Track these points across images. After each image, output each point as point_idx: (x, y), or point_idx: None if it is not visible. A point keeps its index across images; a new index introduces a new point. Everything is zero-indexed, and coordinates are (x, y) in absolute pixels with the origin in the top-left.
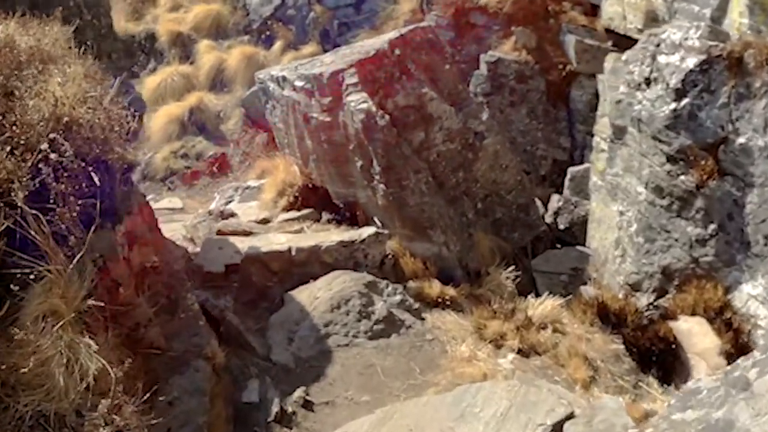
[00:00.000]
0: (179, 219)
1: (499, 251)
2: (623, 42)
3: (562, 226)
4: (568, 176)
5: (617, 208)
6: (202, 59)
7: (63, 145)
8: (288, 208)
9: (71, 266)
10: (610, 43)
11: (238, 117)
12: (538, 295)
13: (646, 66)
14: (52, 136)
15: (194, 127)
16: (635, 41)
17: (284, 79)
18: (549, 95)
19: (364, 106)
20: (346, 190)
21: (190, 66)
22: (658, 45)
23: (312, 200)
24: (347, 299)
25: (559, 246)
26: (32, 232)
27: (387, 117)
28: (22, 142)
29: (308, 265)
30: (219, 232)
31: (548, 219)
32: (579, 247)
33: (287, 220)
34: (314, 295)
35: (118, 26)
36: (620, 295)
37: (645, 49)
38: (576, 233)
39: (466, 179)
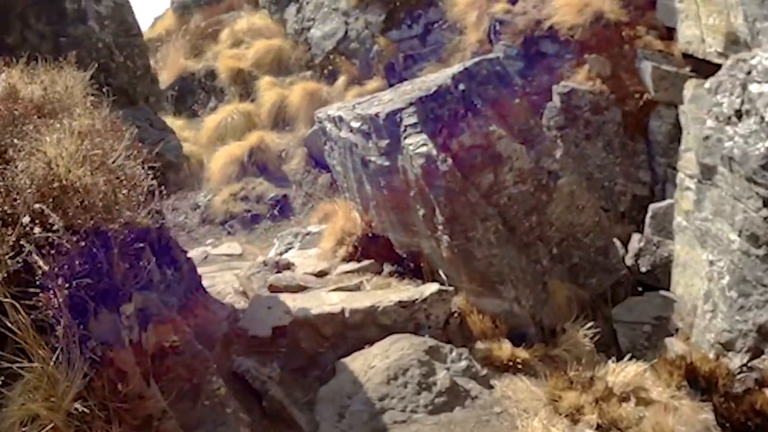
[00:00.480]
0: (237, 266)
1: (577, 300)
2: (702, 67)
3: (643, 269)
4: (649, 213)
5: (707, 257)
6: (264, 96)
7: (50, 216)
8: (347, 259)
9: (56, 362)
10: (688, 69)
11: (301, 156)
12: (619, 349)
13: (736, 97)
14: (37, 206)
15: (255, 168)
16: (716, 66)
17: (341, 119)
18: (626, 127)
19: (424, 149)
20: (410, 240)
21: (251, 103)
22: (748, 72)
23: (372, 250)
24: (405, 369)
25: (640, 289)
26: (9, 323)
27: (450, 161)
28: (8, 212)
29: (364, 329)
30: (271, 288)
31: (629, 261)
32: (663, 293)
33: (346, 272)
34: (369, 364)
35: (177, 64)
36: (710, 355)
37: (733, 77)
38: (659, 276)
39: (540, 223)
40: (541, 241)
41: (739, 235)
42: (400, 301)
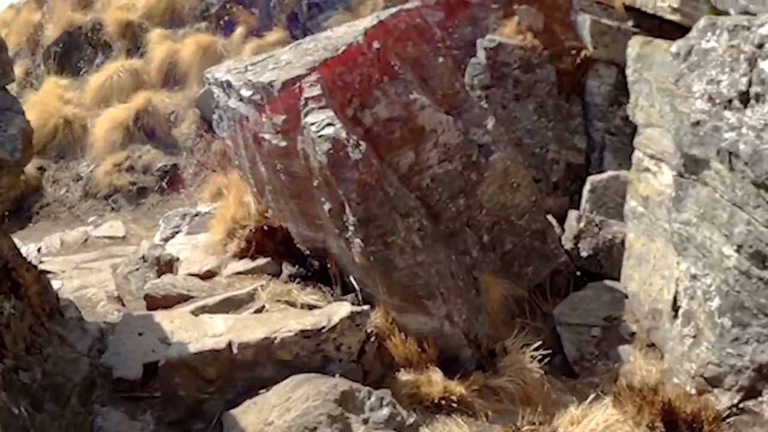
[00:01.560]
0: (118, 253)
1: (514, 300)
2: (647, 22)
3: (584, 253)
4: (588, 187)
5: (687, 268)
6: (154, 51)
7: None
8: (239, 255)
9: None
10: (630, 23)
11: (192, 119)
12: (565, 358)
13: (741, 75)
14: None
15: (142, 133)
16: (669, 23)
17: (229, 84)
18: (560, 87)
19: (330, 131)
20: (314, 234)
21: (139, 59)
22: (760, 45)
23: (269, 246)
24: (312, 428)
25: (579, 274)
26: None
27: (363, 146)
28: None
29: (257, 367)
30: (146, 299)
31: (567, 244)
32: (609, 283)
33: (237, 274)
34: (265, 419)
35: (64, 17)
36: (689, 389)
37: (735, 48)
38: (602, 261)
39: (468, 207)
40: (470, 228)
41: (738, 251)
42: (302, 330)
